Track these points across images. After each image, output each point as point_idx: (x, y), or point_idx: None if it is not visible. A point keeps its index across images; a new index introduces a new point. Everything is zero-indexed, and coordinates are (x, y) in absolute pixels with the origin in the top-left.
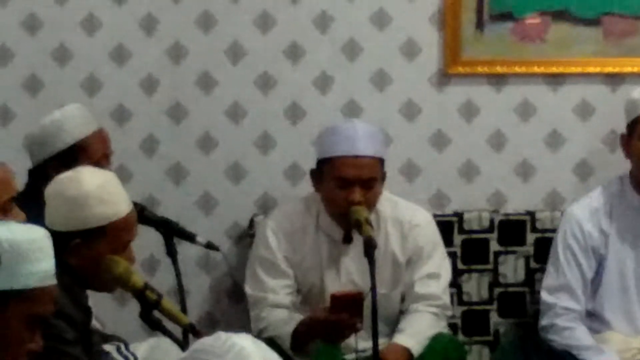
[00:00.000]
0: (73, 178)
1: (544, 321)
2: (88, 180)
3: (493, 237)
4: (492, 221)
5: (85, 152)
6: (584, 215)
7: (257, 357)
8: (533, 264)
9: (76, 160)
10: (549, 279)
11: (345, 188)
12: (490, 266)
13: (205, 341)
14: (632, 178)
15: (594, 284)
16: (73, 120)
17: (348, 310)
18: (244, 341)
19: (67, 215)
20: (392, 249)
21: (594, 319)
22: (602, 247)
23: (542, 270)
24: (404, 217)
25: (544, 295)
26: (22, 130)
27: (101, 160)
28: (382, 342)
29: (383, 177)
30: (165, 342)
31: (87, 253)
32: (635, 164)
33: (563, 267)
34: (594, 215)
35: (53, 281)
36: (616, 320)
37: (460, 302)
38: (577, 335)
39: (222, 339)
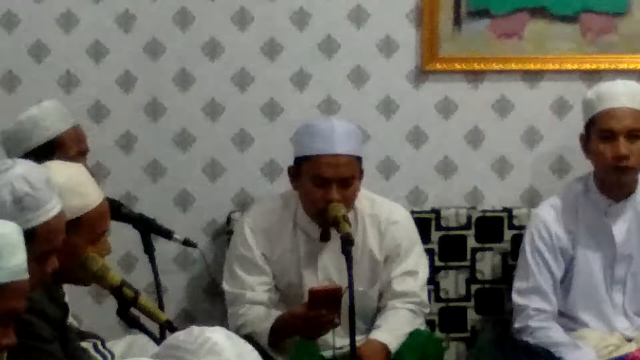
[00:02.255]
0: None
1: (517, 324)
2: (57, 174)
3: (470, 233)
4: (469, 218)
5: (60, 148)
6: (551, 216)
7: (231, 351)
8: (510, 261)
9: (52, 156)
10: (519, 281)
11: (322, 186)
12: (467, 263)
13: (178, 336)
14: (595, 178)
15: (565, 285)
16: (49, 116)
17: (326, 306)
18: (217, 335)
19: None
20: (369, 246)
21: (567, 319)
22: (569, 248)
23: None
24: (382, 214)
25: (516, 298)
26: None
27: (77, 157)
28: (359, 339)
29: (361, 175)
30: (142, 339)
31: (64, 247)
32: (595, 163)
33: (532, 269)
34: (561, 217)
35: (25, 276)
36: (589, 319)
37: (438, 299)
38: (551, 334)
39: (195, 334)
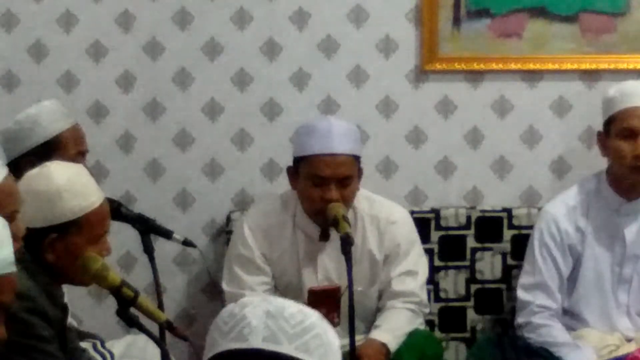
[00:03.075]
0: (43, 174)
1: (520, 319)
2: (58, 174)
3: (470, 233)
4: (469, 218)
5: (60, 147)
6: (561, 213)
7: (259, 335)
8: (510, 261)
9: (51, 155)
10: (525, 277)
11: (321, 186)
12: (467, 263)
13: (224, 313)
14: (608, 176)
15: (571, 282)
16: (48, 115)
17: (325, 305)
18: (256, 313)
19: (41, 211)
20: (369, 246)
21: (570, 316)
22: (578, 245)
23: (519, 267)
24: (381, 214)
25: (520, 293)
26: None
27: (76, 157)
28: (359, 338)
29: (359, 174)
30: (141, 339)
31: (64, 247)
32: (612, 161)
33: (539, 265)
34: (571, 213)
35: (12, 269)
36: (593, 317)
37: (437, 299)
38: (553, 332)
39: (236, 311)
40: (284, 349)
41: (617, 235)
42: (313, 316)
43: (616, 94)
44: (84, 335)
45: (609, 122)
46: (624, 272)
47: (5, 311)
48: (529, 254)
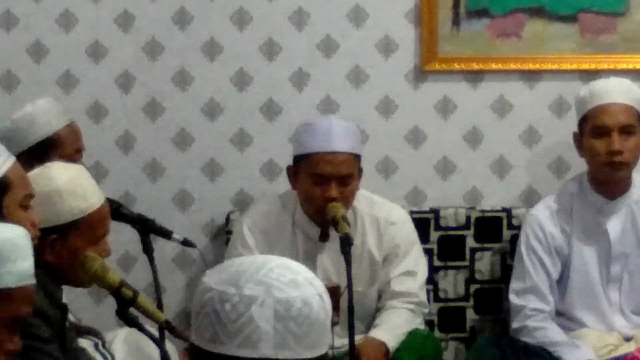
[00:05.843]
0: (43, 174)
1: (514, 324)
2: (58, 175)
3: (469, 233)
4: (468, 218)
5: (56, 146)
6: (545, 216)
7: (270, 343)
8: (509, 261)
9: (47, 154)
10: (516, 281)
11: (321, 184)
12: (466, 263)
13: (225, 305)
14: (589, 177)
15: (561, 284)
16: (44, 114)
17: None
18: (263, 313)
19: (41, 212)
20: (368, 246)
21: (566, 318)
22: (565, 247)
23: None
24: (381, 214)
25: (512, 298)
26: None
27: (73, 154)
28: (358, 338)
29: (359, 173)
30: (137, 336)
31: (64, 248)
32: (588, 161)
33: (528, 269)
34: (555, 216)
35: (32, 281)
36: (588, 318)
37: (437, 299)
38: (549, 334)
39: (240, 309)
40: (295, 354)
41: (601, 234)
42: (314, 300)
43: (586, 94)
44: (83, 331)
45: (582, 122)
46: (612, 271)
47: (22, 324)
48: (518, 259)
